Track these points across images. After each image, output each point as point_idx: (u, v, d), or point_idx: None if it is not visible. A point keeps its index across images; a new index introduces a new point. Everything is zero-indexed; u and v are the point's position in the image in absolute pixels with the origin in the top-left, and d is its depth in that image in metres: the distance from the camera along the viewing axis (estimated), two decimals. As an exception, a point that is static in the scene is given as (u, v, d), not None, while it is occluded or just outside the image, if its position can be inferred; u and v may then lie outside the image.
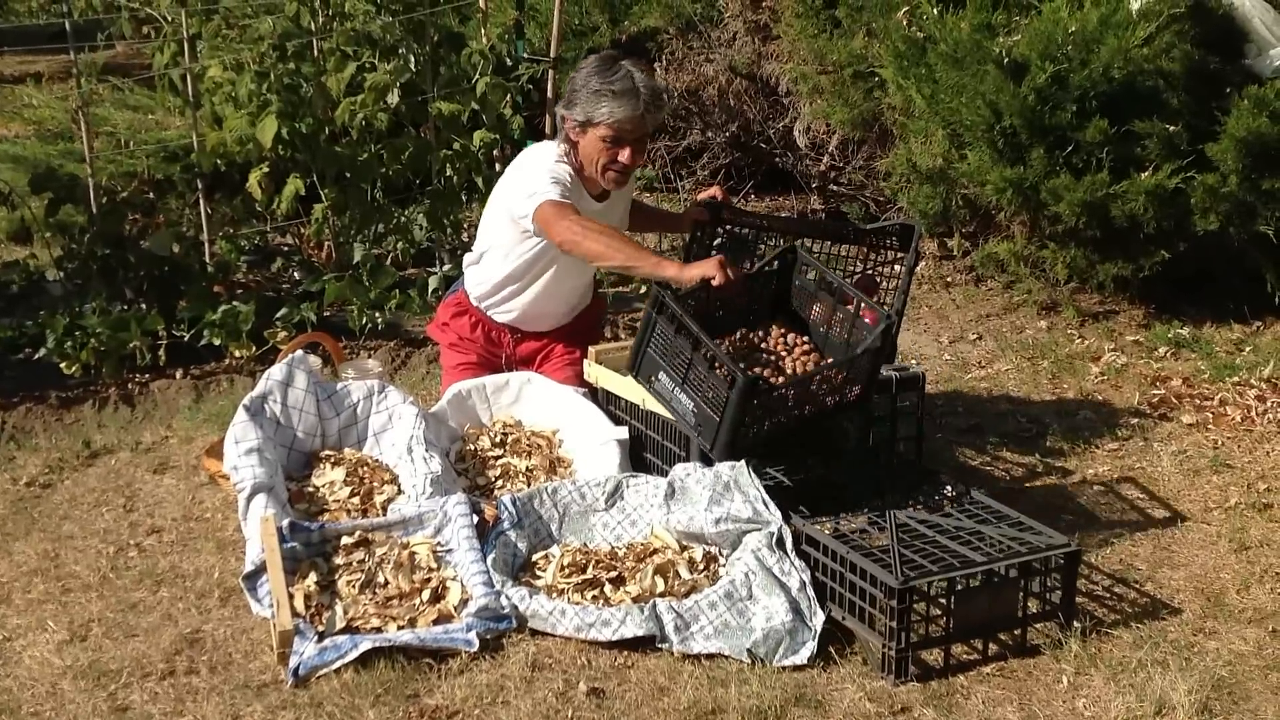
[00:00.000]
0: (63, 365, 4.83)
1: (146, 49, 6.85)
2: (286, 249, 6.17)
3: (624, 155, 3.82)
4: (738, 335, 3.66)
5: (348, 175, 5.48)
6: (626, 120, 3.76)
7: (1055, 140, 5.12)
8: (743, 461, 3.40)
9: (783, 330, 3.74)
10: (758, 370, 3.46)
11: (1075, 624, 3.14)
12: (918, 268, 3.94)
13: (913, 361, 5.06)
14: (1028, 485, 4.04)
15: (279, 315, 5.11)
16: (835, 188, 7.01)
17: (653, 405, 3.74)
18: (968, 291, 5.95)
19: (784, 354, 3.67)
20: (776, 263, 3.74)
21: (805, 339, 3.72)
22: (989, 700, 2.93)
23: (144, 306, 5.08)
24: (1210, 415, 4.53)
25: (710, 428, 3.32)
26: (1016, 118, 5.09)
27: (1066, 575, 3.16)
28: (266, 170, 5.50)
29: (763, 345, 3.69)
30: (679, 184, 7.33)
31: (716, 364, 3.30)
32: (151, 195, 5.64)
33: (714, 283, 3.46)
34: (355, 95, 5.49)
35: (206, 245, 5.57)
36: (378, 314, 5.29)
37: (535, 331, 4.23)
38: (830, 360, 3.57)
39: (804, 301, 3.76)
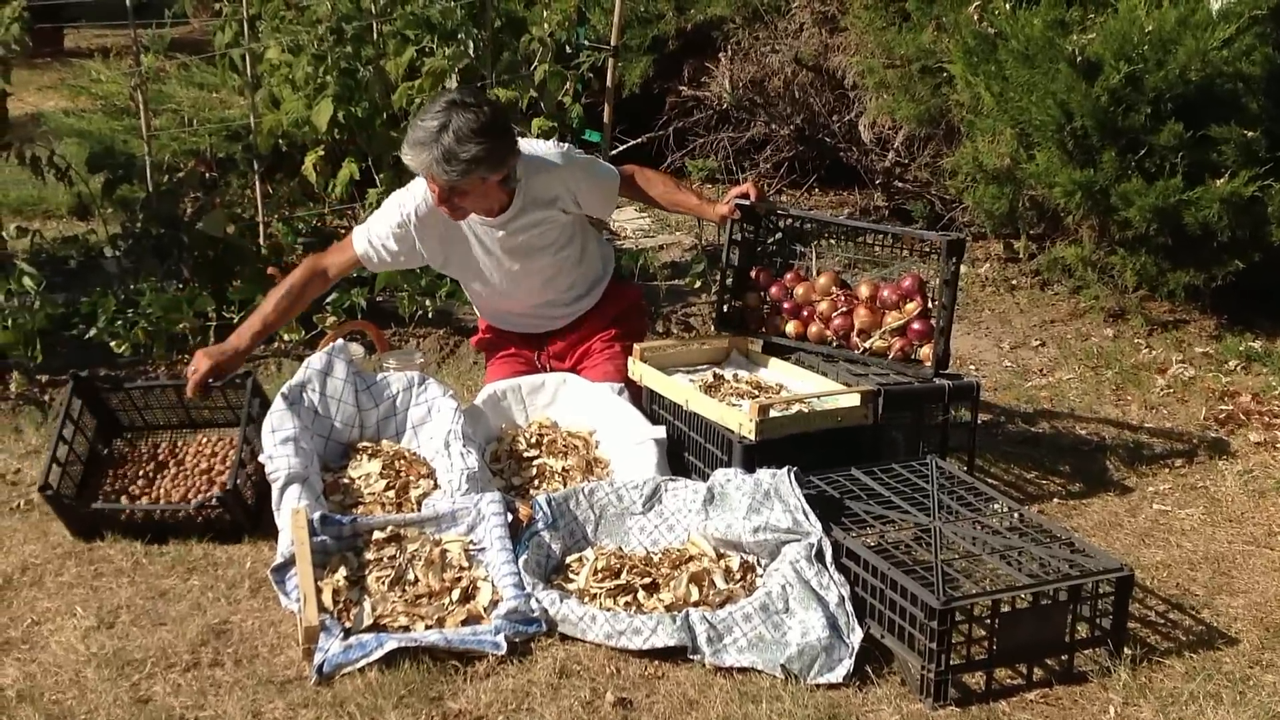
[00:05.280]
0: (113, 344, 4.84)
1: (213, 27, 6.85)
2: (342, 232, 6.12)
3: (431, 196, 3.76)
4: None
5: (403, 160, 5.45)
6: (417, 169, 3.70)
7: (1127, 143, 4.96)
8: (785, 469, 3.31)
9: None
10: None
11: (1125, 651, 3.01)
12: (959, 277, 3.85)
13: (970, 368, 4.95)
14: (1084, 502, 3.89)
15: (329, 300, 5.08)
16: (900, 184, 6.87)
17: (696, 406, 3.66)
18: (1032, 295, 5.80)
19: None
20: None
21: None
22: (1030, 729, 2.81)
23: (197, 287, 5.07)
24: (1279, 434, 4.35)
25: None
26: (1088, 118, 4.93)
27: (1118, 601, 3.03)
28: (322, 153, 5.47)
29: None
30: (739, 176, 7.22)
31: None
32: (214, 174, 5.62)
33: None
34: (413, 80, 5.44)
35: (261, 227, 5.55)
36: (428, 301, 5.25)
37: (546, 332, 4.18)
38: None
39: None
